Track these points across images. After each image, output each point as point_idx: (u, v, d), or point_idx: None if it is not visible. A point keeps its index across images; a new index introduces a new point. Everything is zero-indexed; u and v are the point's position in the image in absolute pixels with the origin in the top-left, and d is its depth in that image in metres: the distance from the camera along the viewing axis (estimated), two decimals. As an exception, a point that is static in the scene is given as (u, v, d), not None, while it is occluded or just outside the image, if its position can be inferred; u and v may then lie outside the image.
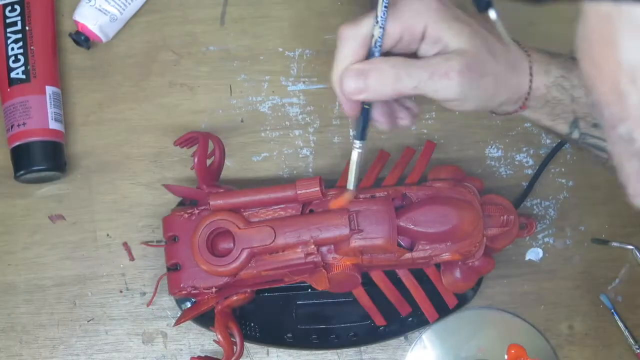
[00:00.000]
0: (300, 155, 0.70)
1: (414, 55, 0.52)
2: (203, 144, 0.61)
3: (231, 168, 0.69)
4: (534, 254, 0.68)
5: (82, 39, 0.69)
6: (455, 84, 0.50)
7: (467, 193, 0.60)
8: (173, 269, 0.61)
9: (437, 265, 0.61)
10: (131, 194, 0.69)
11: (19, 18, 0.68)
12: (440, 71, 0.50)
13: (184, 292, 0.60)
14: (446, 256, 0.59)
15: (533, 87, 0.54)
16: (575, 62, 0.50)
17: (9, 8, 0.68)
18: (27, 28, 0.67)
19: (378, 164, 0.62)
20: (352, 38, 0.51)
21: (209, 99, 0.70)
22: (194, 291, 0.60)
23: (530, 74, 0.54)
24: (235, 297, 0.60)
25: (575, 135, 0.56)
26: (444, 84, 0.50)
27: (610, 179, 0.69)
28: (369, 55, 0.51)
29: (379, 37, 0.50)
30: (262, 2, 0.72)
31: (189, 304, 0.64)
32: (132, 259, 0.68)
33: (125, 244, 0.68)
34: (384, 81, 0.50)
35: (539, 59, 0.54)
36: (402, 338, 0.66)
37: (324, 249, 0.59)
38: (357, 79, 0.51)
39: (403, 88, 0.50)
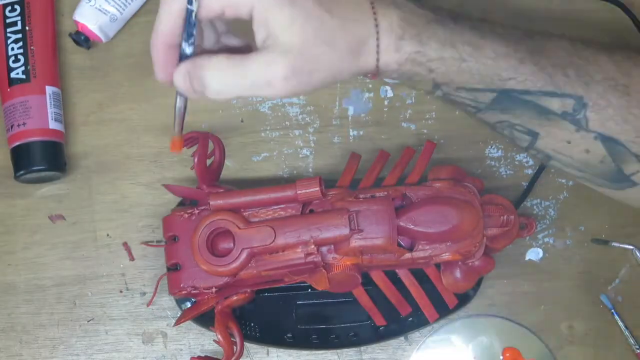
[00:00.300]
0: (300, 155, 0.70)
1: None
2: (203, 144, 0.61)
3: (231, 168, 0.69)
4: (534, 254, 0.68)
5: (82, 39, 0.69)
6: (280, 90, 0.47)
7: (467, 193, 0.60)
8: (173, 269, 0.61)
9: (437, 265, 0.61)
10: (131, 194, 0.69)
11: (19, 18, 0.68)
12: (260, 81, 0.47)
13: (184, 292, 0.60)
14: (446, 256, 0.59)
15: (381, 65, 0.49)
16: (434, 29, 0.48)
17: (9, 8, 0.68)
18: (27, 28, 0.67)
19: (378, 164, 0.62)
20: (168, 4, 0.49)
21: (209, 99, 0.70)
22: (194, 291, 0.60)
23: (377, 53, 0.49)
24: (235, 297, 0.60)
25: (439, 94, 0.53)
26: (267, 92, 0.47)
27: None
28: (185, 27, 0.48)
29: (192, 12, 0.47)
30: (262, 2, 0.72)
31: (189, 304, 0.64)
32: (132, 259, 0.68)
33: (125, 244, 0.68)
34: (207, 89, 0.48)
35: (388, 34, 0.48)
36: (402, 338, 0.66)
37: (324, 249, 0.59)
38: (183, 81, 0.49)
39: (227, 96, 0.48)
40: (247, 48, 0.52)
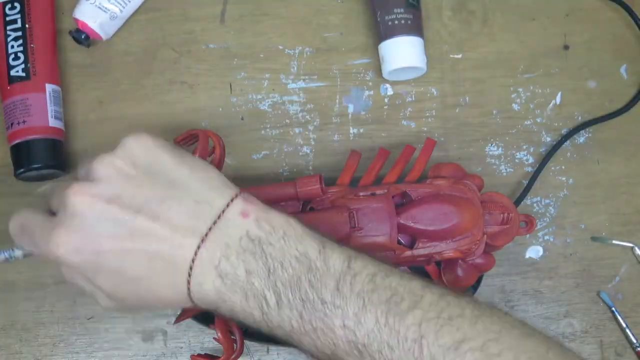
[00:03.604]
0: (300, 153, 0.70)
1: None
2: (203, 141, 0.61)
3: (231, 166, 0.69)
4: (534, 251, 0.68)
5: (82, 37, 0.69)
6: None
7: (467, 191, 0.60)
8: (173, 266, 0.61)
9: (438, 263, 0.61)
10: (131, 192, 0.69)
11: (18, 16, 0.68)
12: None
13: (184, 289, 0.60)
14: (446, 254, 0.59)
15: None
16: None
17: (9, 6, 0.68)
18: (27, 26, 0.67)
19: (378, 161, 0.62)
20: None
21: (209, 97, 0.70)
22: (194, 289, 0.60)
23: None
24: (235, 295, 0.60)
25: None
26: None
27: (610, 177, 0.69)
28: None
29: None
30: (262, 0, 0.72)
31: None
32: None
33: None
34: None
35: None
36: (402, 336, 0.66)
37: (324, 246, 0.59)
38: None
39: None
40: None
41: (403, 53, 0.68)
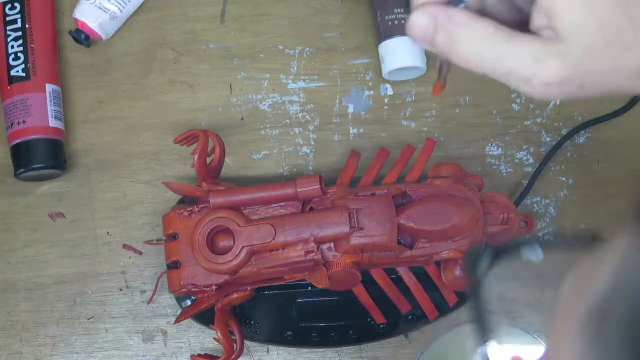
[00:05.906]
0: (300, 153, 0.70)
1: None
2: (203, 141, 0.61)
3: (231, 166, 0.69)
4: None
5: (82, 37, 0.69)
6: (537, 93, 0.39)
7: (467, 191, 0.60)
8: (173, 266, 0.61)
9: (438, 263, 0.61)
10: (131, 192, 0.69)
11: (18, 16, 0.68)
12: (518, 74, 0.39)
13: (183, 289, 0.60)
14: (446, 254, 0.59)
15: None
16: None
17: (8, 6, 0.68)
18: (27, 26, 0.67)
19: (378, 161, 0.62)
20: None
21: (209, 97, 0.70)
22: (194, 289, 0.60)
23: None
24: (235, 295, 0.60)
25: None
26: (522, 87, 0.40)
27: (611, 176, 0.69)
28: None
29: None
30: (262, 0, 0.72)
31: (189, 302, 0.64)
32: (139, 253, 0.67)
33: (125, 246, 0.68)
34: (452, 51, 0.41)
35: None
36: (402, 336, 0.66)
37: (324, 246, 0.59)
38: (425, 25, 0.41)
39: (472, 69, 0.41)
40: (519, 17, 0.44)
41: (403, 53, 0.68)
